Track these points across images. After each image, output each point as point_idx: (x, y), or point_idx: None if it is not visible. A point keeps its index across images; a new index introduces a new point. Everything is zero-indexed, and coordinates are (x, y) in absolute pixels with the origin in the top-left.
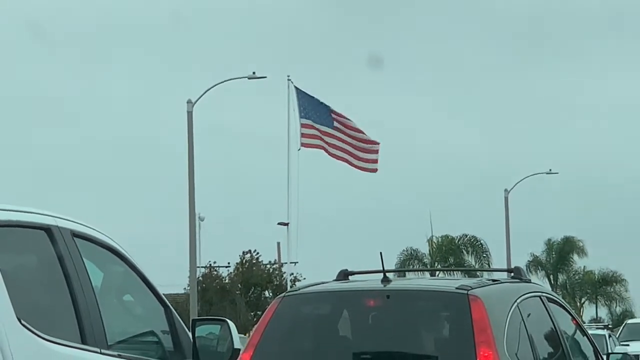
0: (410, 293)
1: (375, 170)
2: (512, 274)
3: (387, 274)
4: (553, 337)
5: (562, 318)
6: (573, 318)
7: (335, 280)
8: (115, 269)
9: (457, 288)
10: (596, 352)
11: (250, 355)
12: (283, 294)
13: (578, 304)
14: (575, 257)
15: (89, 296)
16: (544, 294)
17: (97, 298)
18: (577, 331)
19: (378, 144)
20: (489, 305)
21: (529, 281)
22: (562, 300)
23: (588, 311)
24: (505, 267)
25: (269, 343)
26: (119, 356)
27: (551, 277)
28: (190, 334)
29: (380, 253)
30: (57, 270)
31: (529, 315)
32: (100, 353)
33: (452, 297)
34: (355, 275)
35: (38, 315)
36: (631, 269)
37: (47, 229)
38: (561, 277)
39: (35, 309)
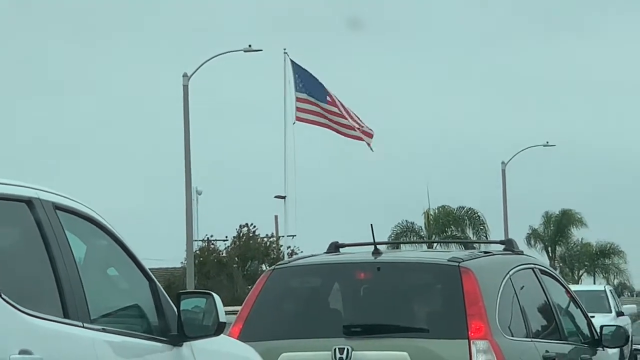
0: (401, 265)
1: (369, 144)
2: (505, 246)
3: (379, 246)
4: (546, 309)
5: (555, 290)
6: (566, 290)
7: (326, 252)
8: (99, 242)
9: (448, 260)
10: (589, 324)
11: (240, 328)
12: (273, 266)
13: (576, 276)
14: (574, 229)
15: (72, 269)
16: (536, 266)
17: (80, 271)
18: (571, 303)
19: (371, 132)
20: (480, 277)
21: (522, 253)
22: (555, 272)
23: (586, 283)
24: (503, 239)
25: (259, 316)
26: (103, 330)
27: (549, 249)
28: (175, 308)
29: (371, 225)
30: (39, 243)
31: (521, 287)
32: (83, 327)
33: (443, 269)
34: (347, 248)
35: (19, 289)
36: (629, 241)
37: (28, 201)
38: (559, 250)
39: (16, 282)
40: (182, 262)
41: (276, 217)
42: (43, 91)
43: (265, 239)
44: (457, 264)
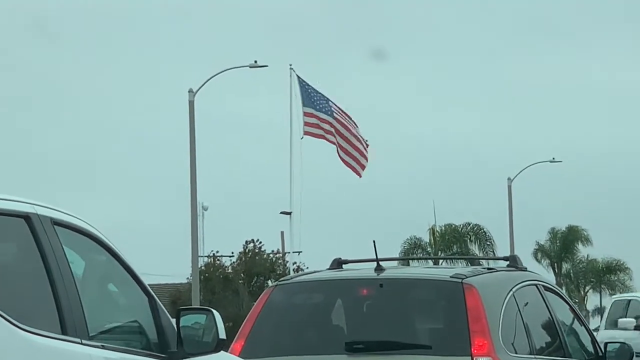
0: (404, 282)
1: (359, 175)
2: (509, 263)
3: (382, 263)
4: (550, 326)
5: (559, 307)
6: (571, 307)
7: (329, 269)
8: (98, 257)
9: (451, 277)
10: (594, 342)
11: (242, 345)
12: (275, 283)
13: (582, 292)
14: (580, 246)
15: (70, 285)
16: (540, 283)
17: (79, 287)
18: (575, 320)
19: (367, 145)
20: (483, 293)
21: (525, 269)
22: (559, 289)
23: (592, 300)
24: (507, 255)
25: (261, 332)
26: (102, 347)
27: (555, 265)
28: (175, 324)
29: (374, 242)
30: (37, 259)
31: (525, 304)
32: (81, 344)
33: (446, 285)
34: (350, 264)
35: (16, 304)
36: (635, 258)
37: (26, 217)
38: (565, 266)
39: (13, 298)
40: (188, 278)
41: (282, 233)
42: (47, 104)
43: (271, 255)
44: (460, 280)
